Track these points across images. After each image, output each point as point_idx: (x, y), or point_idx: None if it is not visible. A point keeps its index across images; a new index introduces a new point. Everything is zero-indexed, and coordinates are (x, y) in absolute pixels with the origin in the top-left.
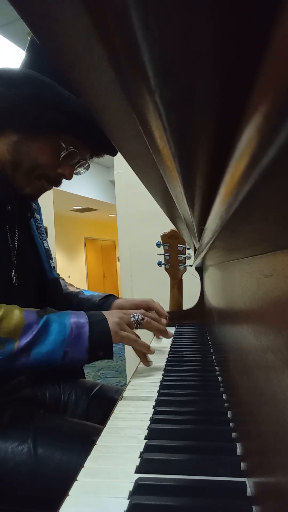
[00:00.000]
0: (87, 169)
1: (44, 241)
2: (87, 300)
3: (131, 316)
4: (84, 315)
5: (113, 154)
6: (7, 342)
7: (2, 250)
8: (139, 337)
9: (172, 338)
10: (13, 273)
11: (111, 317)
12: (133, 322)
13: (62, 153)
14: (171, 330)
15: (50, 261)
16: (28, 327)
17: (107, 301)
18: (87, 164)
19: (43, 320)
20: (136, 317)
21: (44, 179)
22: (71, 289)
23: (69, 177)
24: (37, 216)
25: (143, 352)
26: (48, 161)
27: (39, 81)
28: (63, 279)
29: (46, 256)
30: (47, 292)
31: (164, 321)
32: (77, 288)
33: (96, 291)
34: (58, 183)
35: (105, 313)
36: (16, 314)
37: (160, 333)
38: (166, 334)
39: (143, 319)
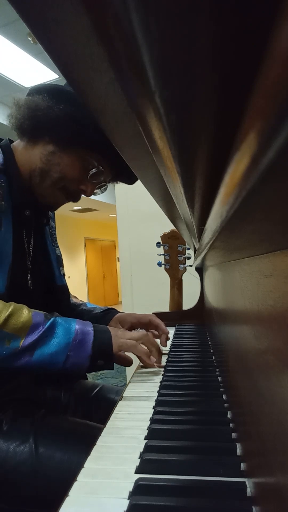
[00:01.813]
0: (103, 192)
1: (56, 248)
2: (88, 312)
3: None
4: (89, 324)
5: (131, 182)
6: (13, 339)
7: (20, 254)
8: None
9: (171, 339)
10: (28, 277)
11: (114, 330)
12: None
13: (92, 170)
14: (171, 330)
15: (61, 268)
16: (35, 326)
17: (108, 313)
18: (106, 186)
19: (50, 322)
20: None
21: (64, 192)
22: (74, 300)
23: (89, 194)
24: (52, 223)
25: (143, 359)
26: (75, 176)
27: None
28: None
29: (57, 262)
30: (55, 298)
31: (163, 339)
32: (81, 301)
33: (95, 296)
34: (77, 198)
35: (109, 327)
36: (25, 312)
37: (146, 361)
38: (151, 359)
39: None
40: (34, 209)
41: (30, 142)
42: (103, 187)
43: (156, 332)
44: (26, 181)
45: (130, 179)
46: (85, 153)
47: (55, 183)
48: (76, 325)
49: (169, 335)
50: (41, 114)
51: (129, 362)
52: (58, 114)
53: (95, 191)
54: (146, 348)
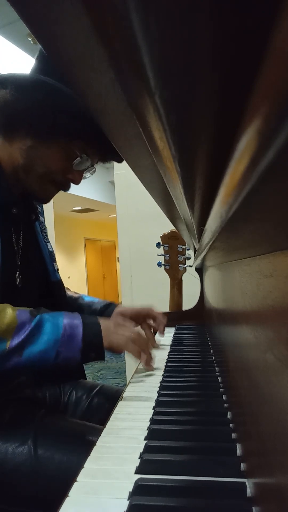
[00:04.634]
0: (93, 174)
1: (48, 244)
2: (88, 307)
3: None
4: (78, 316)
5: (120, 161)
6: None
7: (7, 252)
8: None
9: (171, 339)
10: (17, 275)
11: (106, 322)
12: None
13: (75, 160)
14: (171, 331)
15: (54, 263)
16: (21, 326)
17: (109, 308)
18: (94, 169)
19: (36, 319)
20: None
21: (53, 184)
22: (70, 293)
23: (77, 182)
24: (42, 218)
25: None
26: (59, 167)
27: (53, 87)
28: None
29: (50, 258)
30: (51, 294)
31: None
32: (76, 293)
33: (95, 296)
34: (66, 188)
35: (100, 318)
36: (9, 313)
37: (137, 358)
38: (142, 357)
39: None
40: (21, 206)
41: (6, 138)
42: (92, 170)
43: (153, 324)
44: (11, 178)
45: (118, 158)
46: (65, 142)
47: (41, 177)
48: (64, 319)
49: (169, 335)
50: (10, 109)
51: (118, 351)
52: (28, 107)
53: (84, 174)
54: (137, 348)
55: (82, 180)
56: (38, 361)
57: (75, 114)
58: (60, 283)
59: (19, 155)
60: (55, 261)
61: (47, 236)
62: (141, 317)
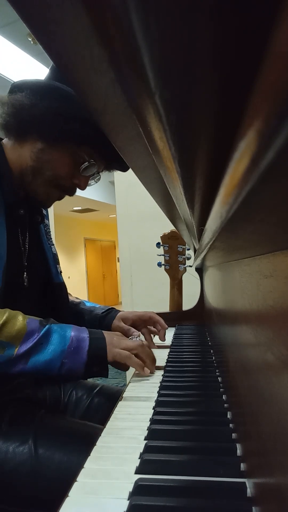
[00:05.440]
0: (97, 182)
1: (52, 246)
2: (89, 312)
3: (129, 338)
4: (85, 330)
5: (125, 169)
6: (7, 347)
7: (15, 252)
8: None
9: (171, 339)
10: (24, 275)
11: (110, 336)
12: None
13: (83, 165)
14: (171, 331)
15: (57, 265)
16: (30, 334)
17: (110, 313)
18: (99, 176)
19: (45, 329)
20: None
21: (58, 188)
22: (71, 298)
23: (83, 187)
24: (46, 221)
25: (137, 370)
26: (67, 171)
27: (67, 93)
28: None
29: (53, 260)
30: (53, 296)
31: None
32: (77, 298)
33: (95, 296)
34: (72, 193)
35: (105, 332)
36: (19, 320)
37: (140, 372)
38: (145, 371)
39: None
40: (28, 208)
41: (18, 140)
42: (97, 178)
43: (154, 329)
44: (18, 179)
45: (123, 167)
46: (75, 147)
47: (48, 181)
48: (71, 332)
49: (169, 335)
50: (26, 113)
51: (124, 367)
52: (42, 111)
53: (89, 182)
54: (139, 360)
55: None
56: (42, 370)
57: (85, 121)
58: (62, 285)
59: (29, 157)
60: (58, 263)
61: (51, 238)
62: (143, 322)
